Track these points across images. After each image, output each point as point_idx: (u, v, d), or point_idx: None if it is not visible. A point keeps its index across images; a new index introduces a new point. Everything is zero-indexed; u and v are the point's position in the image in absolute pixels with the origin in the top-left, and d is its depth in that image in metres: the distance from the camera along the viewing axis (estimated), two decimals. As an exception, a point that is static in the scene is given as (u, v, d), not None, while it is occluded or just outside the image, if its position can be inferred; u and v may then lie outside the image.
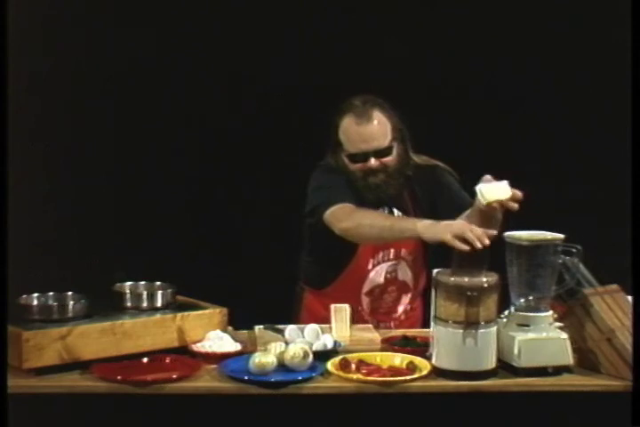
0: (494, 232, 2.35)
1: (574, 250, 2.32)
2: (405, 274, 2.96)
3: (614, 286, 2.39)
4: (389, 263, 2.93)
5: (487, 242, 2.28)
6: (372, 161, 2.75)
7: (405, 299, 3.01)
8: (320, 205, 2.74)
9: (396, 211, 2.87)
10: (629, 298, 2.36)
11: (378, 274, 2.92)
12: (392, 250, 2.91)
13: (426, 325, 2.74)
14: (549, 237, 2.33)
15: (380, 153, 2.76)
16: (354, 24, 3.81)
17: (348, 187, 2.79)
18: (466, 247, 2.28)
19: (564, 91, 3.87)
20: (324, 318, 2.69)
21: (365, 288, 2.93)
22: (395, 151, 2.79)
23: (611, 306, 2.32)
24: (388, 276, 2.94)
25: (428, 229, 2.43)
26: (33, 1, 3.54)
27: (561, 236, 2.32)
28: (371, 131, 2.75)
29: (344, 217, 2.66)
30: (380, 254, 2.90)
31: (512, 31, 3.81)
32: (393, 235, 2.60)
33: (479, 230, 2.32)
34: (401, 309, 3.00)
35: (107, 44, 3.76)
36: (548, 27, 3.80)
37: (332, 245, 2.77)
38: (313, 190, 2.84)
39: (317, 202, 2.77)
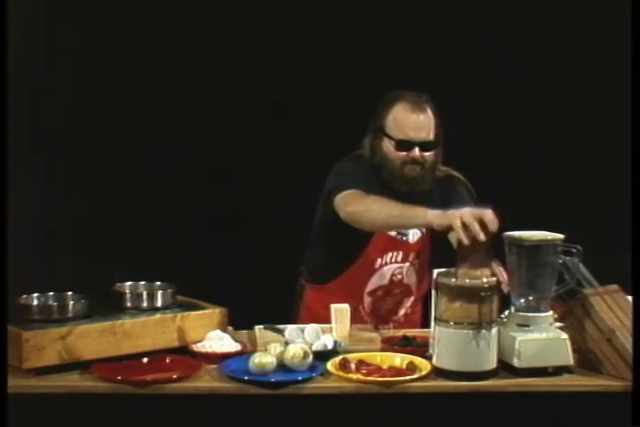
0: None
1: (574, 250, 2.31)
2: (410, 278, 2.97)
3: (614, 286, 2.39)
4: (397, 265, 2.92)
5: (494, 229, 2.24)
6: (416, 151, 2.77)
7: (407, 302, 3.00)
8: (333, 189, 2.75)
9: None
10: (629, 298, 2.36)
11: (384, 275, 2.92)
12: (401, 253, 2.91)
13: (424, 328, 2.75)
14: (549, 237, 2.32)
15: (425, 145, 2.79)
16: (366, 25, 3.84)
17: (368, 178, 2.80)
18: (466, 241, 2.25)
19: (564, 91, 3.88)
20: (323, 316, 2.69)
21: (369, 287, 2.93)
22: (435, 149, 2.82)
23: (611, 306, 2.32)
24: (394, 278, 2.93)
25: (439, 216, 2.38)
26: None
27: (561, 236, 2.32)
28: (423, 120, 2.79)
29: (353, 201, 2.66)
30: (389, 255, 2.90)
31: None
32: (401, 222, 2.56)
33: (490, 219, 2.26)
34: (402, 312, 3.00)
35: (108, 44, 3.78)
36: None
37: (344, 238, 2.77)
38: (331, 176, 2.85)
39: (331, 187, 2.78)
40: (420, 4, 3.83)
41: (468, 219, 2.26)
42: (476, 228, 2.24)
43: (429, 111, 2.80)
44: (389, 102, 2.83)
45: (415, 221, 2.52)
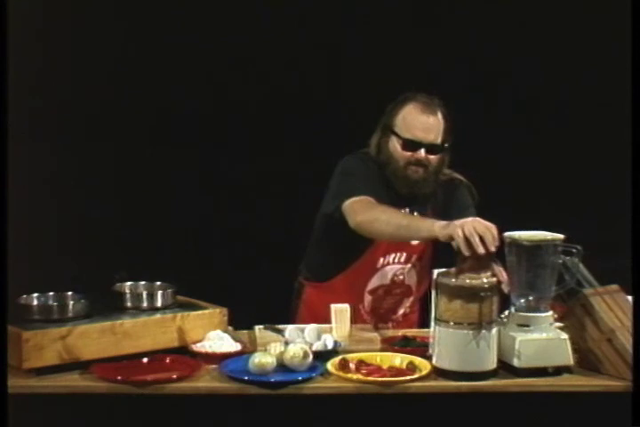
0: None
1: (574, 250, 2.31)
2: (411, 278, 2.97)
3: (614, 286, 2.39)
4: (399, 266, 2.92)
5: (492, 249, 2.26)
6: (422, 152, 2.78)
7: (407, 302, 3.01)
8: (340, 194, 2.75)
9: (415, 214, 2.84)
10: (629, 298, 2.36)
11: (385, 274, 2.92)
12: (404, 254, 2.91)
13: (422, 328, 2.75)
14: (549, 237, 2.32)
15: (431, 148, 2.79)
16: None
17: (374, 178, 2.80)
18: (466, 252, 2.26)
19: (565, 91, 3.88)
20: (322, 314, 2.68)
21: (370, 286, 2.93)
22: (440, 152, 2.82)
23: (611, 306, 2.32)
24: (396, 278, 2.93)
25: (444, 228, 2.38)
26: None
27: (561, 236, 2.32)
28: (433, 123, 2.79)
29: (362, 210, 2.66)
30: (392, 256, 2.90)
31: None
32: (409, 233, 2.57)
33: (490, 236, 2.27)
34: (401, 311, 3.01)
35: (108, 44, 3.78)
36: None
37: (347, 237, 2.77)
38: (337, 175, 2.85)
39: (338, 190, 2.78)
40: (425, 8, 3.84)
41: (469, 230, 2.27)
42: (477, 240, 2.25)
43: (440, 115, 2.80)
44: (401, 102, 2.84)
45: (422, 234, 2.51)
